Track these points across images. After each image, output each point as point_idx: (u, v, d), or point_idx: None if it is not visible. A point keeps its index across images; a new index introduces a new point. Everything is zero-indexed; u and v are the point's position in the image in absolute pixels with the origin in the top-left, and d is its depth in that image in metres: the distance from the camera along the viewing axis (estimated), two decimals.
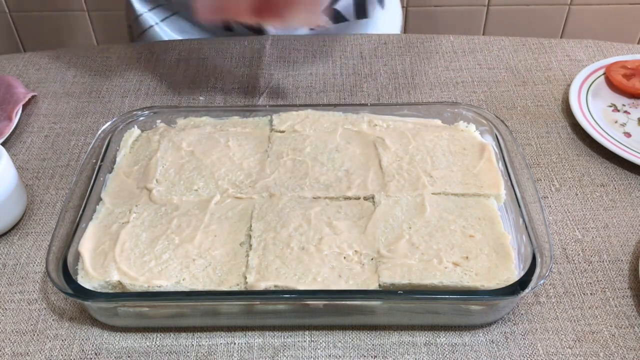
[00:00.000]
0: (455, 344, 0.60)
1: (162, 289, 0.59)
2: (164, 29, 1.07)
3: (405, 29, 1.91)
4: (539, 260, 0.58)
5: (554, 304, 0.63)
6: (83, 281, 0.59)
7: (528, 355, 0.59)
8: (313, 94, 0.91)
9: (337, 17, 1.05)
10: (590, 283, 0.65)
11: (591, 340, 0.60)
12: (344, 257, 0.61)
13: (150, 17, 1.07)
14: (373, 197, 0.67)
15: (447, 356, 0.59)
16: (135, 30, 1.10)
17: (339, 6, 1.03)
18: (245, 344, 0.60)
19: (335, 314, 0.61)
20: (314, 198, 0.67)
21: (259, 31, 1.04)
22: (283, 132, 0.75)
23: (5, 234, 0.71)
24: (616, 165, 0.78)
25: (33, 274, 0.67)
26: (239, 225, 0.65)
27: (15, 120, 0.83)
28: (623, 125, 0.82)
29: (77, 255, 0.61)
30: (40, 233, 0.71)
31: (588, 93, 0.87)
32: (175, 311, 0.60)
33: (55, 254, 0.60)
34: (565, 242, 0.69)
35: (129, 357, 0.60)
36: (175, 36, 1.07)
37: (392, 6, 1.13)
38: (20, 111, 0.85)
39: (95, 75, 0.96)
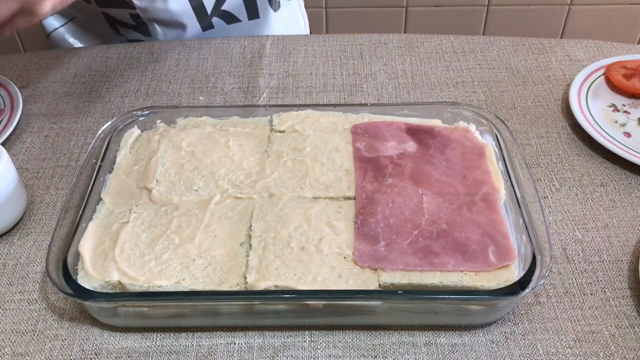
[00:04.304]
0: (455, 344, 0.60)
1: (162, 289, 0.59)
2: (64, 34, 1.09)
3: (405, 29, 1.91)
4: (539, 260, 0.58)
5: (554, 304, 0.63)
6: (83, 281, 0.59)
7: (528, 355, 0.59)
8: (313, 94, 0.91)
9: (229, 18, 1.07)
10: (590, 283, 0.65)
11: (591, 340, 0.60)
12: (344, 257, 0.61)
13: (51, 21, 1.10)
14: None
15: (447, 356, 0.59)
16: (44, 33, 1.13)
17: (227, 7, 1.05)
18: (245, 344, 0.60)
19: (335, 314, 0.61)
20: (314, 198, 0.67)
21: (143, 29, 1.06)
22: (283, 132, 0.75)
23: (5, 234, 0.71)
24: (616, 165, 0.78)
25: (33, 274, 0.67)
26: (239, 225, 0.65)
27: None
28: (623, 125, 0.82)
29: (77, 255, 0.61)
30: (40, 233, 0.71)
31: (588, 93, 0.87)
32: (175, 311, 0.60)
33: (55, 254, 0.60)
34: (565, 242, 0.69)
35: (129, 357, 0.60)
36: (74, 41, 1.10)
37: (288, 9, 1.15)
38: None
39: (95, 75, 0.96)
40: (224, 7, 1.04)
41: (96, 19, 1.06)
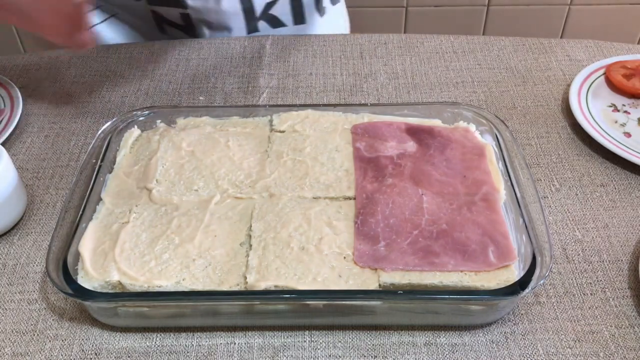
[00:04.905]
0: (455, 344, 0.60)
1: (162, 289, 0.59)
2: (104, 30, 1.08)
3: (405, 29, 1.91)
4: (539, 260, 0.58)
5: (554, 304, 0.63)
6: (83, 281, 0.59)
7: (528, 355, 0.59)
8: (313, 94, 0.91)
9: (275, 22, 1.07)
10: (590, 283, 0.65)
11: (591, 340, 0.60)
12: (344, 257, 0.61)
13: (91, 17, 1.09)
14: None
15: (447, 356, 0.59)
16: None
17: (275, 11, 1.05)
18: (245, 344, 0.60)
19: (335, 314, 0.61)
20: (314, 198, 0.67)
21: (190, 31, 1.05)
22: (283, 132, 0.75)
23: (5, 234, 0.71)
24: (616, 165, 0.78)
25: (33, 274, 0.67)
26: (239, 225, 0.65)
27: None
28: (623, 125, 0.82)
29: (77, 255, 0.61)
30: (40, 233, 0.71)
31: (588, 93, 0.87)
32: (175, 311, 0.60)
33: (55, 254, 0.60)
34: (565, 242, 0.69)
35: (129, 357, 0.60)
36: (114, 37, 1.09)
37: (333, 14, 1.15)
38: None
39: (95, 75, 0.96)
40: (272, 11, 1.04)
41: (141, 17, 1.05)
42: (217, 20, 1.02)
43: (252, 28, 1.06)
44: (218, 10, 1.00)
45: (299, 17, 1.08)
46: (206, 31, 1.05)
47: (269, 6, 1.04)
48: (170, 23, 1.04)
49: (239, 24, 1.04)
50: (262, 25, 1.06)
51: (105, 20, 1.08)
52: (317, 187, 0.68)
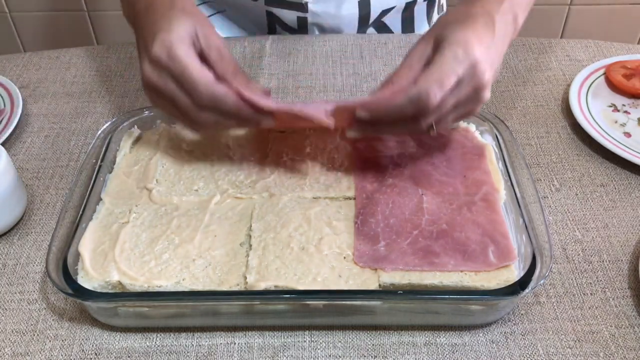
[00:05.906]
0: (455, 344, 0.60)
1: (162, 289, 0.59)
2: None
3: None
4: (539, 260, 0.58)
5: (554, 304, 0.63)
6: (83, 281, 0.59)
7: (528, 355, 0.59)
8: (313, 94, 0.91)
9: (383, 29, 1.07)
10: (590, 283, 0.65)
11: (591, 340, 0.60)
12: (344, 257, 0.61)
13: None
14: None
15: (447, 356, 0.59)
16: None
17: (387, 19, 1.05)
18: (245, 344, 0.60)
19: (335, 314, 0.61)
20: (314, 198, 0.67)
21: (301, 33, 1.04)
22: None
23: (5, 234, 0.71)
24: (616, 165, 0.78)
25: (33, 274, 0.67)
26: (238, 225, 0.65)
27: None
28: (623, 125, 0.82)
29: (77, 255, 0.61)
30: (40, 233, 0.71)
31: (588, 93, 0.87)
32: (175, 311, 0.60)
33: (55, 254, 0.60)
34: (565, 242, 0.69)
35: (129, 357, 0.60)
36: (220, 34, 1.08)
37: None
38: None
39: (95, 75, 0.96)
40: (384, 19, 1.04)
41: (253, 17, 1.04)
42: (332, 25, 1.02)
43: (361, 33, 1.05)
44: (337, 15, 1.00)
45: (408, 27, 1.08)
46: (316, 33, 1.04)
47: (383, 14, 1.03)
48: (283, 25, 1.03)
49: (350, 29, 1.04)
50: (370, 31, 1.06)
51: (212, 15, 1.06)
52: (317, 187, 0.68)
